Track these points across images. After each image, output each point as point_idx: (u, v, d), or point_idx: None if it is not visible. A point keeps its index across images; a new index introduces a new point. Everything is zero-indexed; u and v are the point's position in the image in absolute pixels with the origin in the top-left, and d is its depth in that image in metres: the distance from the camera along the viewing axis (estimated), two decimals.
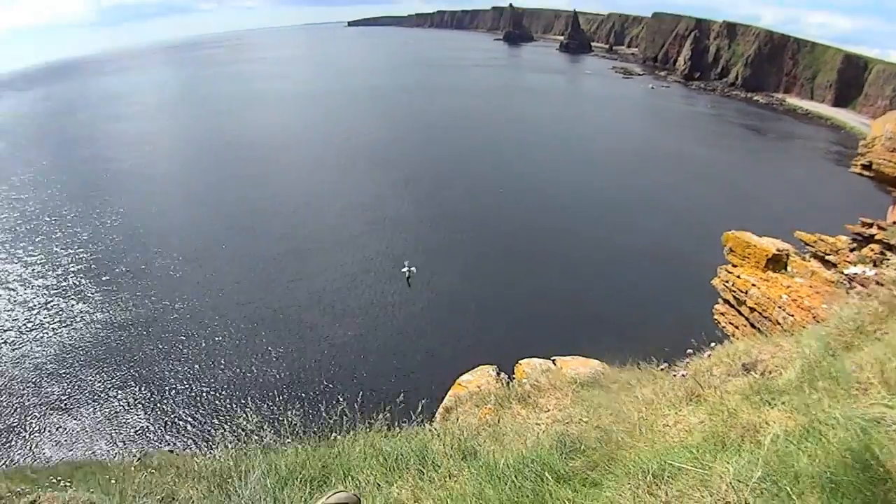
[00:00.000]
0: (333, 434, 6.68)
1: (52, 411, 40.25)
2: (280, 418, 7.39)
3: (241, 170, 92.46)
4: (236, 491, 5.60)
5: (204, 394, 40.53)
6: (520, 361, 15.06)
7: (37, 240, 71.45)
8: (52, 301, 55.73)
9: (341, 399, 7.17)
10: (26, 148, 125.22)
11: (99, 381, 43.19)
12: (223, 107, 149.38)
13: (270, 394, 37.54)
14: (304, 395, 38.37)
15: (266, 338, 46.28)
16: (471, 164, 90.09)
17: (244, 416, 7.42)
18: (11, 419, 39.67)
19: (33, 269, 62.89)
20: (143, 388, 41.95)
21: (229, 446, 6.86)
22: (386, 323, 47.61)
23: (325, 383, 40.10)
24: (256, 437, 7.09)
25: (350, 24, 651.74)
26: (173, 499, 7.23)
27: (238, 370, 42.47)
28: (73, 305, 54.72)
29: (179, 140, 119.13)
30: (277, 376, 41.43)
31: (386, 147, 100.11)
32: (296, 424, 6.91)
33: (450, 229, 65.19)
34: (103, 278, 59.06)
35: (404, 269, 53.25)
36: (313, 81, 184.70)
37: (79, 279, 59.66)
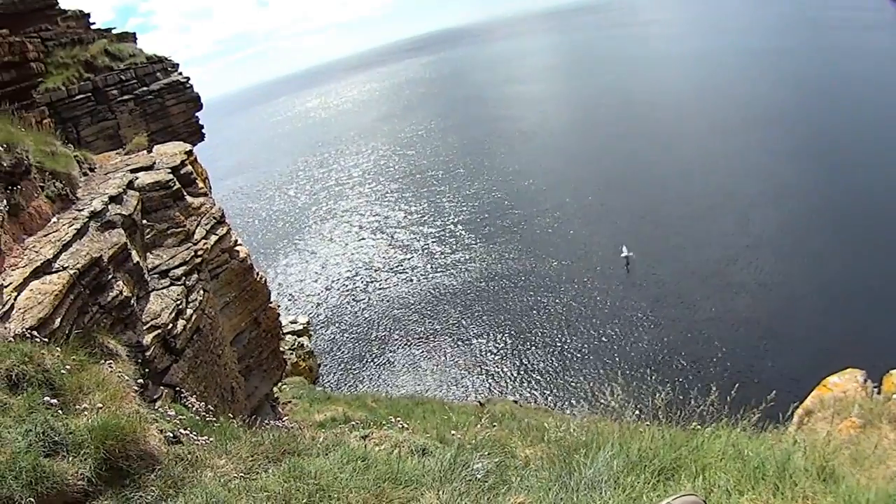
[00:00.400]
0: (695, 424, 5.95)
1: (408, 347, 44.84)
2: (644, 396, 6.85)
3: (634, 128, 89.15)
4: (578, 467, 5.23)
5: (563, 353, 40.93)
6: (891, 371, 12.59)
7: (422, 191, 79.97)
8: (429, 246, 61.72)
9: (714, 388, 6.37)
10: (418, 108, 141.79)
11: (461, 326, 46.51)
12: (613, 68, 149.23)
13: (639, 369, 36.78)
14: (676, 376, 36.24)
15: (640, 306, 44.45)
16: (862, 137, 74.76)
17: (609, 390, 7.04)
18: (369, 349, 45.33)
19: (417, 217, 70.51)
20: (501, 337, 43.99)
21: (581, 415, 6.53)
22: (772, 306, 43.03)
23: (697, 365, 37.68)
24: (616, 413, 6.67)
25: None
26: (512, 455, 7.18)
27: (604, 338, 42.22)
28: (448, 253, 59.63)
29: (569, 100, 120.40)
30: (649, 351, 39.35)
31: (775, 111, 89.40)
32: (659, 407, 6.31)
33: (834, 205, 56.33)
34: (482, 231, 63.06)
35: (623, 255, 49.26)
36: (703, 41, 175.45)
37: (458, 229, 64.57)
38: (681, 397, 6.47)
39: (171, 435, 5.71)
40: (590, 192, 67.47)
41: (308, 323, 44.54)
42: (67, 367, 6.29)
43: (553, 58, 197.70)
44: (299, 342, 39.27)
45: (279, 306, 42.28)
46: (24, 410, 5.47)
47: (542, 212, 64.50)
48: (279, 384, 21.18)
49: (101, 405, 5.76)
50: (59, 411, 5.61)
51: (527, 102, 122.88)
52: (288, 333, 38.61)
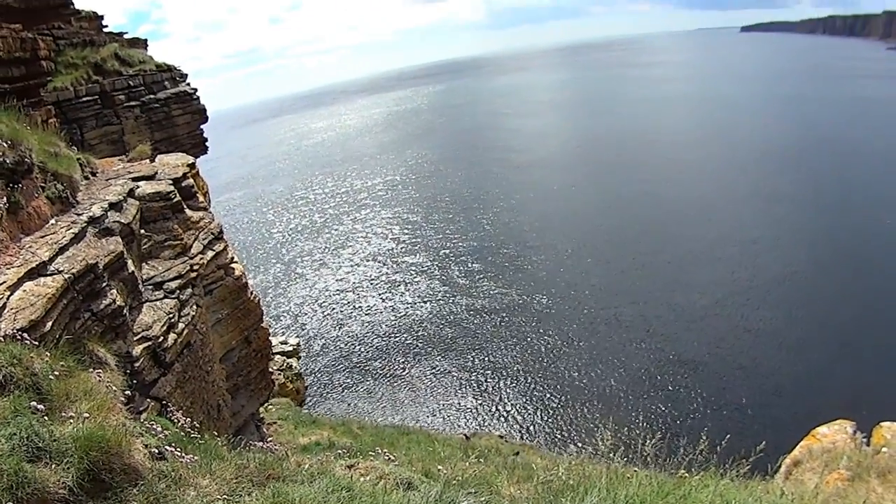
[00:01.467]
0: (683, 471, 5.89)
1: (396, 375, 44.68)
2: (633, 440, 6.79)
3: (634, 169, 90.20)
4: None
5: (552, 390, 40.90)
6: (881, 423, 12.56)
7: (417, 221, 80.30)
8: (420, 277, 61.83)
9: (703, 436, 6.31)
10: (421, 137, 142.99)
11: (449, 357, 46.47)
12: (618, 107, 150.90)
13: (628, 412, 36.72)
14: (664, 420, 36.28)
15: (628, 350, 44.58)
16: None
17: (599, 434, 6.97)
18: (357, 375, 45.07)
19: (410, 246, 70.79)
20: (489, 370, 44.02)
21: (568, 455, 6.46)
22: (763, 353, 42.89)
23: (686, 410, 37.51)
24: (604, 457, 6.60)
25: (743, 29, 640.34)
26: (498, 494, 7.06)
27: (588, 377, 41.87)
28: (439, 284, 59.80)
29: (573, 137, 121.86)
30: (639, 394, 39.41)
31: (784, 157, 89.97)
32: (648, 454, 6.26)
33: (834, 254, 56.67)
34: (474, 264, 63.40)
35: None
36: (711, 86, 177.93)
37: (450, 261, 64.93)
38: (670, 443, 6.43)
39: (156, 450, 5.60)
40: (584, 230, 67.98)
41: (298, 344, 44.28)
42: (56, 372, 6.19)
43: (557, 93, 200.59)
44: (288, 363, 38.90)
45: (270, 326, 42.03)
46: (10, 413, 5.37)
47: (534, 248, 64.85)
48: (266, 404, 20.91)
49: (87, 414, 5.66)
50: (45, 417, 5.52)
51: (529, 137, 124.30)
52: (277, 354, 38.29)
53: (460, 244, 69.61)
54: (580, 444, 33.81)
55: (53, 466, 4.68)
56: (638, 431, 7.35)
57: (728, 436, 6.68)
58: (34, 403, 5.38)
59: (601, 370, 42.24)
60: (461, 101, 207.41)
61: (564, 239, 66.03)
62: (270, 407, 23.79)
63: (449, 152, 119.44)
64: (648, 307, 49.54)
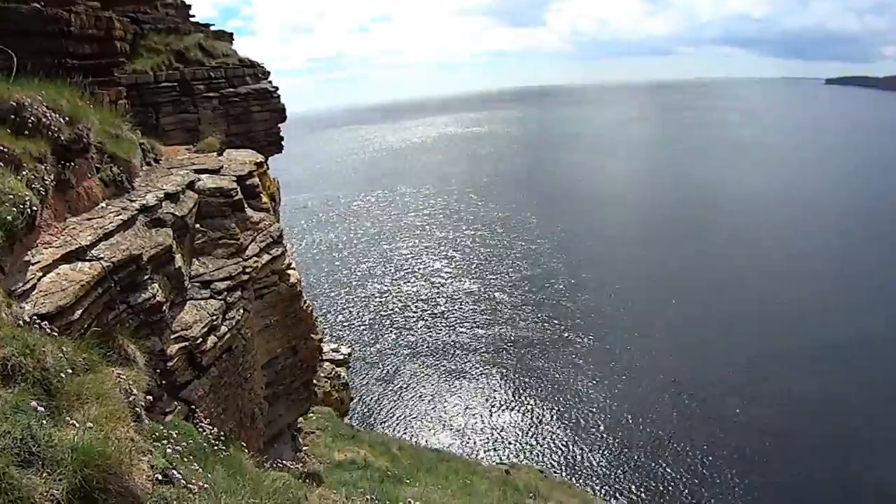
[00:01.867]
0: None
1: (441, 396, 43.80)
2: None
3: (701, 219, 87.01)
4: None
5: (601, 431, 39.48)
6: None
7: (470, 241, 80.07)
8: (467, 302, 60.69)
9: None
10: (489, 161, 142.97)
11: (489, 384, 45.26)
12: (693, 152, 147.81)
13: (667, 471, 35.08)
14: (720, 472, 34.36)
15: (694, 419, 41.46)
16: None
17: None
18: (402, 392, 44.27)
19: (458, 269, 70.06)
20: (539, 402, 42.68)
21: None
22: (798, 422, 39.88)
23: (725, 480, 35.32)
24: None
25: (828, 81, 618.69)
26: None
27: (643, 429, 40.01)
28: (484, 309, 58.78)
29: (645, 176, 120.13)
30: (685, 448, 37.54)
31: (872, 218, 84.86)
32: None
33: None
34: (522, 293, 61.99)
35: None
36: (792, 139, 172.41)
37: (498, 288, 63.75)
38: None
39: (162, 474, 4.97)
40: (641, 273, 65.92)
41: (349, 354, 44.02)
42: (70, 369, 5.64)
43: (635, 130, 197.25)
44: (336, 372, 38.53)
45: (324, 333, 41.91)
46: (9, 408, 4.87)
47: (588, 287, 63.00)
48: (306, 414, 20.37)
49: (91, 424, 5.08)
50: (47, 419, 4.98)
51: (599, 173, 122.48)
52: (327, 361, 38.01)
53: (512, 271, 68.82)
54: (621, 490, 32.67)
55: (45, 475, 4.10)
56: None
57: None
58: (34, 403, 4.83)
59: (650, 423, 40.33)
60: (536, 129, 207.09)
61: (621, 280, 64.17)
62: (311, 415, 23.29)
63: (514, 179, 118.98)
64: (687, 358, 47.22)
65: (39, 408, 4.86)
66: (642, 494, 33.43)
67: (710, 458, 36.16)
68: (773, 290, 59.33)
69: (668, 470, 35.12)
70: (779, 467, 35.00)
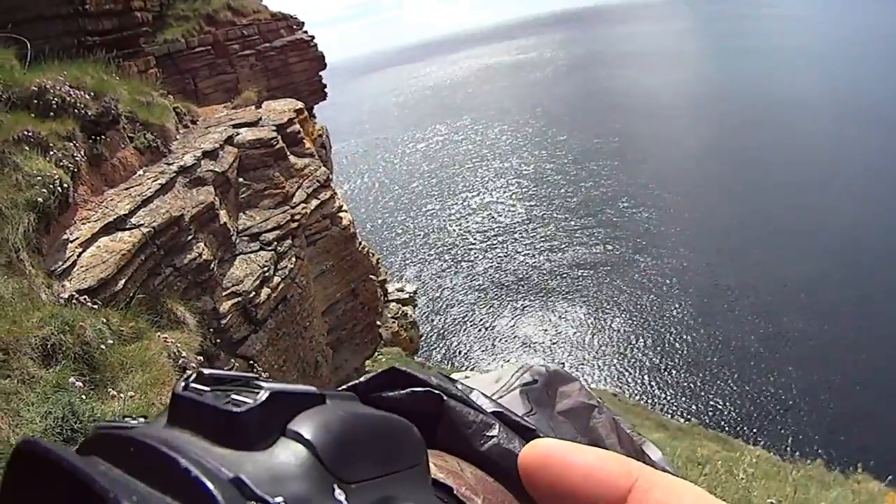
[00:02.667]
0: None
1: (510, 326, 43.93)
2: None
3: (761, 126, 79.80)
4: None
5: (662, 351, 39.11)
6: None
7: (533, 173, 78.47)
8: (528, 236, 59.55)
9: None
10: (541, 87, 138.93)
11: (555, 315, 45.00)
12: (756, 63, 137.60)
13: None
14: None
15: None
16: None
17: None
18: (471, 325, 44.57)
19: (520, 201, 68.76)
20: (597, 332, 42.45)
21: None
22: None
23: None
24: None
25: None
26: None
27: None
28: (550, 243, 57.13)
29: (701, 87, 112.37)
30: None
31: None
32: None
33: None
34: (591, 225, 60.08)
35: None
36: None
37: (563, 220, 61.39)
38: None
39: None
40: (702, 188, 62.99)
41: (415, 292, 44.41)
42: (111, 340, 5.67)
43: (685, 44, 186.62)
44: (403, 311, 39.00)
45: (387, 272, 42.30)
46: (51, 388, 4.92)
47: (651, 206, 60.62)
48: (374, 356, 20.67)
49: (133, 392, 5.09)
50: (89, 393, 5.01)
51: (653, 87, 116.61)
52: (393, 301, 38.48)
53: (570, 194, 67.12)
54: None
55: None
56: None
57: None
58: (72, 380, 4.85)
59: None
60: (583, 50, 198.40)
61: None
62: (380, 357, 23.65)
63: (566, 101, 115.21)
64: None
65: (77, 383, 4.90)
66: (709, 411, 33.18)
67: (784, 382, 35.12)
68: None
69: (746, 391, 34.41)
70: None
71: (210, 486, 0.34)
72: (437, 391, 0.72)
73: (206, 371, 0.45)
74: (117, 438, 0.40)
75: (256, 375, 0.45)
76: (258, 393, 0.41)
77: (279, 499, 0.36)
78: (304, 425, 0.42)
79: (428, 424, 0.69)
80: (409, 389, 0.71)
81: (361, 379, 0.69)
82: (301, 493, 0.38)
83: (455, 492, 0.60)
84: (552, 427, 1.90)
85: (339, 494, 0.40)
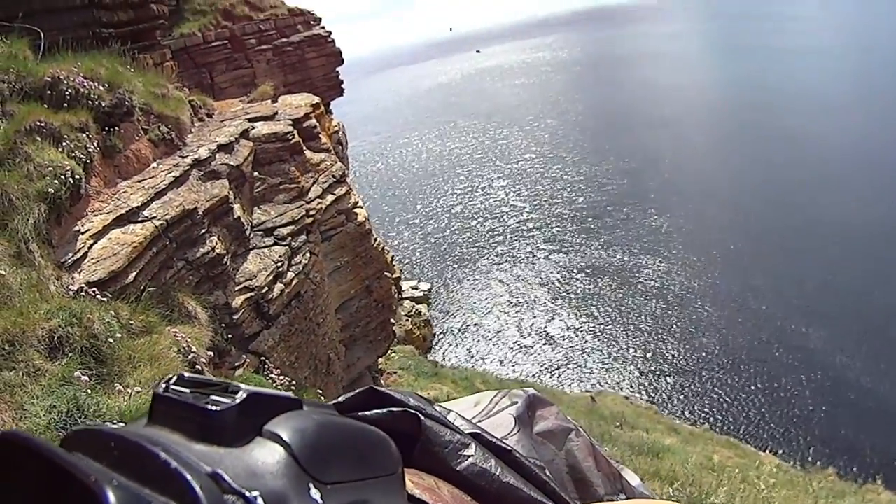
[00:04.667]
0: None
1: (525, 324, 43.59)
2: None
3: (773, 126, 79.69)
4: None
5: (674, 353, 38.79)
6: None
7: (552, 173, 78.06)
8: (548, 231, 59.72)
9: None
10: (561, 89, 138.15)
11: (572, 313, 44.40)
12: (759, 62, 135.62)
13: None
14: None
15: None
16: None
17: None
18: (479, 326, 44.36)
19: (539, 199, 68.42)
20: (615, 329, 41.93)
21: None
22: None
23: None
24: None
25: None
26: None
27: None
28: (570, 239, 57.16)
29: (715, 87, 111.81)
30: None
31: None
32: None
33: None
34: (608, 222, 59.97)
35: None
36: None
37: (581, 218, 60.92)
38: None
39: None
40: (716, 190, 62.30)
41: (429, 290, 44.28)
42: (120, 334, 5.56)
43: (696, 44, 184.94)
44: (417, 309, 38.93)
45: (401, 272, 42.06)
46: (56, 381, 4.82)
47: (665, 205, 60.00)
48: (386, 354, 20.57)
49: (139, 388, 4.98)
50: (95, 388, 4.91)
51: (665, 87, 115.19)
52: (407, 299, 38.43)
53: (587, 194, 66.67)
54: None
55: None
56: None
57: None
58: (78, 373, 4.75)
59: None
60: (596, 50, 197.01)
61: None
62: (393, 355, 23.57)
63: (580, 101, 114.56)
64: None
65: (84, 377, 4.79)
66: (720, 416, 32.83)
67: (795, 388, 34.56)
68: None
69: (751, 394, 34.06)
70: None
71: (189, 478, 0.36)
72: (413, 411, 0.74)
73: (187, 374, 0.50)
74: (98, 434, 0.42)
75: (236, 382, 0.48)
76: (237, 394, 0.44)
77: (255, 493, 0.38)
78: (281, 426, 0.45)
79: (405, 444, 0.68)
80: (386, 409, 0.72)
81: (340, 398, 0.73)
82: (277, 488, 0.40)
83: None
84: (534, 447, 1.92)
85: (315, 493, 0.42)
